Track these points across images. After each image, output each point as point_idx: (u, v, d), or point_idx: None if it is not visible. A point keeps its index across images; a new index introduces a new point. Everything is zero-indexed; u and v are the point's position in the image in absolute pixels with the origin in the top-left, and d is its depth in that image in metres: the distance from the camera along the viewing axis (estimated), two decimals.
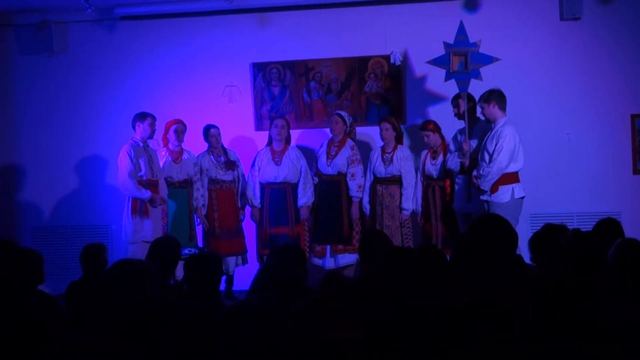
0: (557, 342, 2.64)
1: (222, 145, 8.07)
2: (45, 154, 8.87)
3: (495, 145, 7.03)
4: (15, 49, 8.94)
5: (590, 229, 5.15)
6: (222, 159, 8.00)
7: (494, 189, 7.05)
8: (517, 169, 7.15)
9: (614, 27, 8.15)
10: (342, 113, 8.02)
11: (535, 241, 4.54)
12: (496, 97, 7.16)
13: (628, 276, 3.39)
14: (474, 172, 7.18)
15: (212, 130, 7.98)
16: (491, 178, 7.03)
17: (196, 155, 8.01)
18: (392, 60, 8.26)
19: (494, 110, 7.16)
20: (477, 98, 7.40)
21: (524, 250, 4.88)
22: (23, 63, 8.93)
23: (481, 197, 7.12)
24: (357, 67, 8.49)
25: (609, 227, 5.06)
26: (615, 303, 3.18)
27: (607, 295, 3.31)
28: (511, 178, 7.10)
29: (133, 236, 7.40)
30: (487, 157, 7.09)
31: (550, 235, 4.28)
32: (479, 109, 7.42)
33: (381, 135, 7.83)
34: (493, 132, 7.13)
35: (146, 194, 7.44)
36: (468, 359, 2.73)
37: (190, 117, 8.23)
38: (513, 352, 2.68)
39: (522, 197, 7.15)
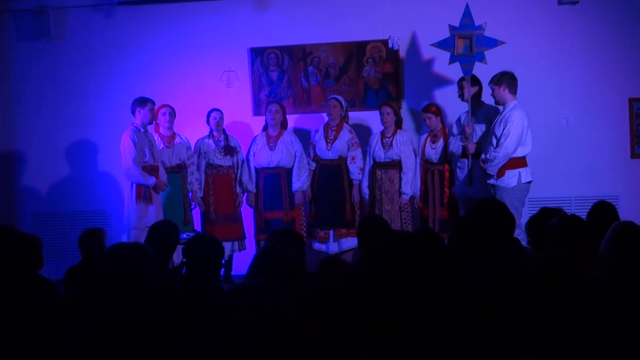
0: (551, 332, 2.65)
1: (224, 130, 8.07)
2: (43, 140, 8.86)
3: (503, 130, 7.00)
4: (13, 34, 8.90)
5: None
6: (222, 143, 7.99)
7: (500, 173, 7.02)
8: (524, 153, 7.11)
9: (611, 11, 8.13)
10: (339, 97, 8.03)
11: (532, 225, 4.57)
12: (507, 80, 7.11)
13: (623, 260, 3.40)
14: (482, 156, 7.17)
15: (213, 114, 7.99)
16: (498, 162, 7.00)
17: (191, 139, 8.02)
18: (390, 45, 8.25)
19: (504, 93, 7.12)
20: (481, 81, 7.40)
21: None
22: (21, 49, 8.89)
23: (488, 181, 7.10)
24: (355, 51, 8.47)
25: (602, 210, 5.08)
26: (610, 291, 3.18)
27: (601, 281, 3.32)
28: (518, 162, 7.07)
29: (138, 222, 7.40)
30: (494, 142, 7.06)
31: (547, 219, 4.29)
32: (485, 92, 7.40)
33: (382, 119, 7.83)
34: (501, 116, 7.10)
35: (151, 180, 7.45)
36: (466, 351, 2.74)
37: (188, 102, 8.23)
38: (510, 344, 2.68)
39: (529, 182, 7.12)
